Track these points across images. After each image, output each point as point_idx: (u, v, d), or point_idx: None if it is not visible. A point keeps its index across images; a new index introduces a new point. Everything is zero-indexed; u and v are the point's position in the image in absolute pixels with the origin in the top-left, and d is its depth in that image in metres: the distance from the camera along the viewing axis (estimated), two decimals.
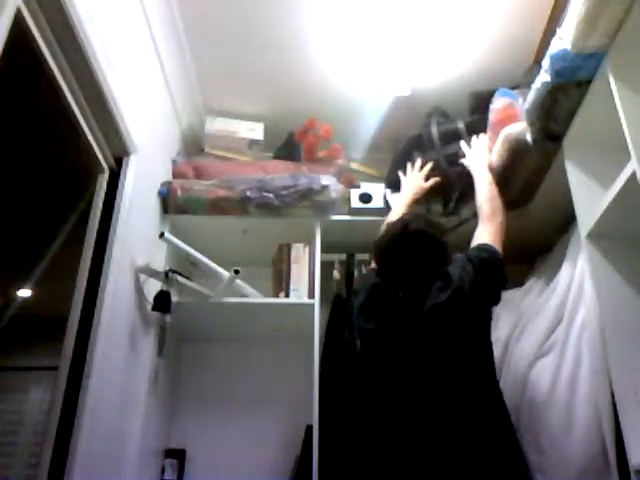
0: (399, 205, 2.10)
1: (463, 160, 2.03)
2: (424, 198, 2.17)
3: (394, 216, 1.95)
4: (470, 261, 1.58)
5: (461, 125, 2.13)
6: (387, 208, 2.23)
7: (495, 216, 1.75)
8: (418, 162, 2.19)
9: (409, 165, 2.23)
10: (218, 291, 2.05)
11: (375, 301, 1.69)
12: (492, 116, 1.90)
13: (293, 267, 2.17)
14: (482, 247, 1.64)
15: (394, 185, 2.29)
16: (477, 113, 2.11)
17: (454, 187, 2.15)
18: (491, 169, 1.89)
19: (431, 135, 2.18)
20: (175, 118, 2.40)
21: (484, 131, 2.01)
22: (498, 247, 1.65)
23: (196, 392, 2.30)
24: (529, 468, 1.53)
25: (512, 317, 1.84)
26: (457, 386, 1.48)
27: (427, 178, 2.15)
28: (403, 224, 1.67)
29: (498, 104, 1.87)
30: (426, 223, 1.68)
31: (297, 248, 2.21)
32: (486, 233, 1.70)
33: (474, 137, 2.04)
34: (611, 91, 1.30)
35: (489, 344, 1.58)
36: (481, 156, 1.94)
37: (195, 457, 2.18)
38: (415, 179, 2.16)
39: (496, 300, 1.61)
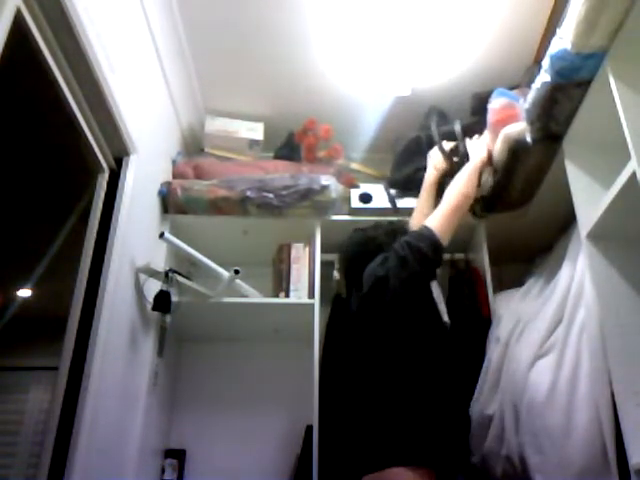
0: (424, 184, 2.07)
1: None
2: None
3: (422, 194, 2.05)
4: (393, 250, 1.64)
5: (458, 127, 2.13)
6: (392, 208, 2.24)
7: (449, 198, 1.77)
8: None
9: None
10: (218, 291, 2.05)
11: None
12: (490, 116, 1.89)
13: (293, 267, 2.17)
14: (415, 232, 1.70)
15: (398, 185, 2.30)
16: (479, 114, 2.10)
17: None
18: (491, 168, 1.89)
19: (432, 135, 2.18)
20: (175, 118, 2.40)
21: (481, 132, 2.01)
22: (441, 227, 1.66)
23: (196, 392, 2.30)
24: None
25: (512, 317, 1.84)
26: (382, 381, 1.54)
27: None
28: (351, 233, 1.88)
29: (496, 104, 1.87)
30: (372, 228, 1.85)
31: (297, 248, 2.21)
32: (433, 215, 1.73)
33: (475, 137, 2.04)
34: (611, 91, 1.30)
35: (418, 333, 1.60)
36: (477, 150, 1.94)
37: (195, 457, 2.18)
38: (435, 154, 2.11)
39: (416, 286, 1.63)
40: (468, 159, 1.97)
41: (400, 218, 2.07)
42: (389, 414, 1.49)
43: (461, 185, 1.81)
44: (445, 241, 1.65)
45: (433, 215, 1.72)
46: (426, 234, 1.63)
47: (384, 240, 1.76)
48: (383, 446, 1.46)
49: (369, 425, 1.51)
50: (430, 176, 2.08)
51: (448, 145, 2.11)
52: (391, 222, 1.95)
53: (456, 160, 2.06)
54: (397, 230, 1.81)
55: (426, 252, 1.60)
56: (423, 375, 1.54)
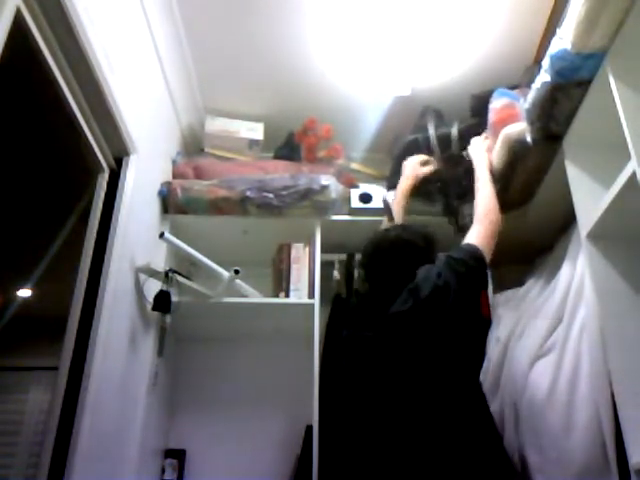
0: (397, 192, 2.09)
1: (468, 156, 2.01)
2: (425, 197, 2.17)
3: (395, 205, 2.04)
4: (446, 264, 1.59)
5: (454, 131, 2.13)
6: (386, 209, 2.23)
7: (487, 217, 1.73)
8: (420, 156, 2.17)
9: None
10: (218, 291, 2.05)
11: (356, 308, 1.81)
12: (491, 116, 1.89)
13: (293, 267, 2.18)
14: (463, 248, 1.64)
15: (395, 188, 2.29)
16: (478, 116, 2.10)
17: (453, 186, 2.15)
18: (491, 169, 1.89)
19: (429, 138, 2.17)
20: (175, 118, 2.40)
21: (479, 134, 2.01)
22: (485, 248, 1.64)
23: (196, 392, 2.30)
24: (511, 464, 1.53)
25: (512, 317, 1.84)
26: (426, 389, 1.48)
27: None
28: (383, 233, 1.76)
29: (497, 104, 1.87)
30: (405, 231, 1.74)
31: (297, 248, 2.21)
32: (474, 233, 1.69)
33: (475, 138, 2.04)
34: (611, 91, 1.30)
35: (467, 346, 1.57)
36: (482, 155, 1.94)
37: (195, 457, 2.18)
38: (413, 165, 2.13)
39: (470, 300, 1.60)
40: (463, 163, 1.98)
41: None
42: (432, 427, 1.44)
43: (494, 203, 1.77)
44: (488, 260, 1.65)
45: (477, 233, 1.69)
46: (477, 253, 1.61)
47: (422, 245, 1.71)
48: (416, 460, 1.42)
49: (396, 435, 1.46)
50: (403, 184, 2.08)
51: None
52: (419, 227, 1.85)
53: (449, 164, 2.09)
54: (429, 235, 1.76)
55: (479, 271, 1.60)
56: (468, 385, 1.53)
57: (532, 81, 1.59)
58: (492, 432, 1.50)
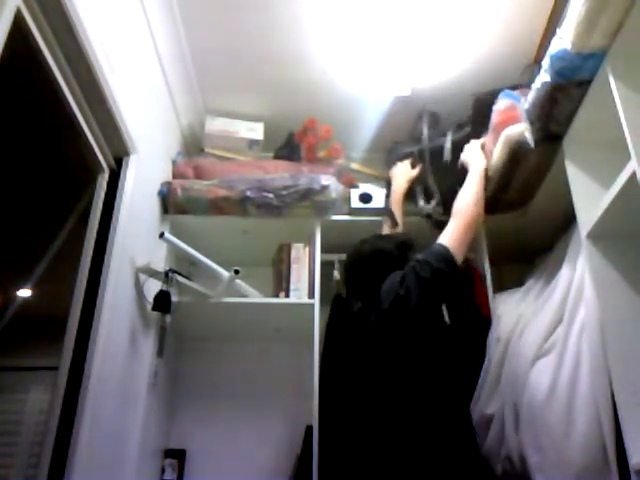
0: (396, 196, 2.22)
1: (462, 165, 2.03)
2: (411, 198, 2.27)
3: (394, 207, 2.18)
4: (410, 269, 1.62)
5: (448, 144, 2.17)
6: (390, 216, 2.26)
7: (463, 211, 1.75)
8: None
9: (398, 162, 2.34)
10: (218, 291, 2.05)
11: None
12: (494, 117, 1.89)
13: (293, 267, 2.17)
14: (432, 250, 1.66)
15: None
16: (481, 116, 2.09)
17: (437, 184, 2.21)
18: (486, 173, 1.89)
19: (423, 150, 2.27)
20: (175, 118, 2.40)
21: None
22: (456, 243, 1.65)
23: (196, 392, 2.30)
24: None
25: (512, 317, 1.84)
26: (401, 394, 1.54)
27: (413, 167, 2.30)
28: (360, 242, 1.87)
29: (500, 105, 1.87)
30: (381, 240, 1.86)
31: (297, 248, 2.21)
32: (448, 230, 1.71)
33: (469, 144, 2.05)
34: (611, 91, 1.30)
35: (433, 349, 1.61)
36: (477, 159, 1.93)
37: (195, 457, 2.18)
38: (404, 168, 2.28)
39: (436, 304, 1.67)
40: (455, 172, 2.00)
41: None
42: (402, 425, 1.50)
43: (472, 202, 1.78)
44: (460, 259, 1.64)
45: (448, 232, 1.69)
46: (444, 254, 1.61)
47: (395, 254, 1.76)
48: (394, 457, 1.47)
49: (380, 432, 1.52)
50: (400, 188, 2.22)
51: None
52: (397, 235, 1.98)
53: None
54: (406, 242, 1.81)
55: (446, 272, 1.59)
56: (430, 378, 1.56)
57: (531, 81, 1.59)
58: (465, 439, 1.55)
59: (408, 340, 1.58)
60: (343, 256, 2.32)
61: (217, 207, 2.19)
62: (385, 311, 1.59)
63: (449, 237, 1.67)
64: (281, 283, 2.16)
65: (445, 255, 1.61)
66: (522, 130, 1.71)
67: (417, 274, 1.58)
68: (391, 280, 1.64)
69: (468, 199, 1.79)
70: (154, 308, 1.91)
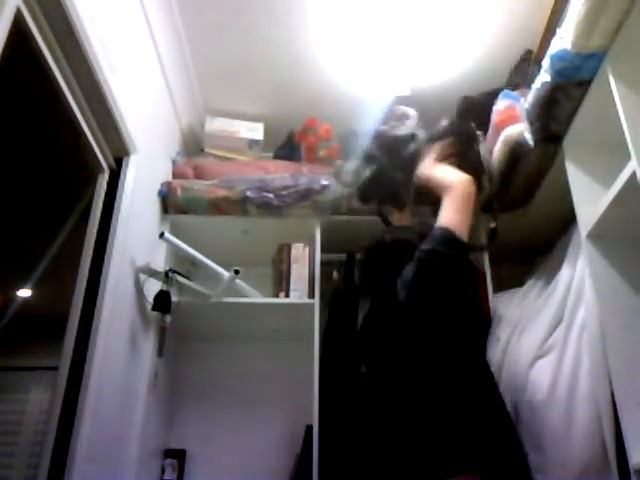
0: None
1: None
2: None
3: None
4: (416, 261, 1.44)
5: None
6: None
7: (453, 189, 1.50)
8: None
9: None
10: (218, 291, 2.05)
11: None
12: (494, 117, 1.89)
13: (293, 267, 2.17)
14: (434, 235, 1.45)
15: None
16: (465, 118, 2.03)
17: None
18: (490, 170, 1.88)
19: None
20: (175, 118, 2.40)
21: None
22: (459, 220, 1.46)
23: (196, 392, 2.30)
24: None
25: (512, 317, 1.84)
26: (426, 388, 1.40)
27: None
28: (379, 234, 1.67)
29: (500, 105, 1.87)
30: (403, 230, 1.66)
31: (297, 248, 2.21)
32: (445, 208, 1.49)
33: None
34: (611, 91, 1.30)
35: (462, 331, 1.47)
36: (454, 178, 1.59)
37: (195, 457, 2.18)
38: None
39: (456, 285, 1.45)
40: None
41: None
42: (436, 417, 1.34)
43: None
44: (465, 236, 1.45)
45: (445, 215, 1.48)
46: (450, 239, 1.43)
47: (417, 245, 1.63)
48: (431, 453, 1.33)
49: (407, 430, 1.37)
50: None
51: None
52: (420, 225, 1.79)
53: None
54: (426, 235, 1.69)
55: (454, 257, 1.43)
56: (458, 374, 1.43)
57: (523, 79, 1.59)
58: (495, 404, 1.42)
59: (435, 328, 1.45)
60: (343, 256, 2.33)
61: (217, 207, 2.19)
62: (404, 303, 1.46)
63: (448, 218, 1.47)
64: (281, 283, 2.16)
65: (450, 237, 1.43)
66: (522, 130, 1.71)
67: (425, 263, 1.41)
68: (404, 274, 1.55)
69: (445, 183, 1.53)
70: (154, 308, 1.91)
